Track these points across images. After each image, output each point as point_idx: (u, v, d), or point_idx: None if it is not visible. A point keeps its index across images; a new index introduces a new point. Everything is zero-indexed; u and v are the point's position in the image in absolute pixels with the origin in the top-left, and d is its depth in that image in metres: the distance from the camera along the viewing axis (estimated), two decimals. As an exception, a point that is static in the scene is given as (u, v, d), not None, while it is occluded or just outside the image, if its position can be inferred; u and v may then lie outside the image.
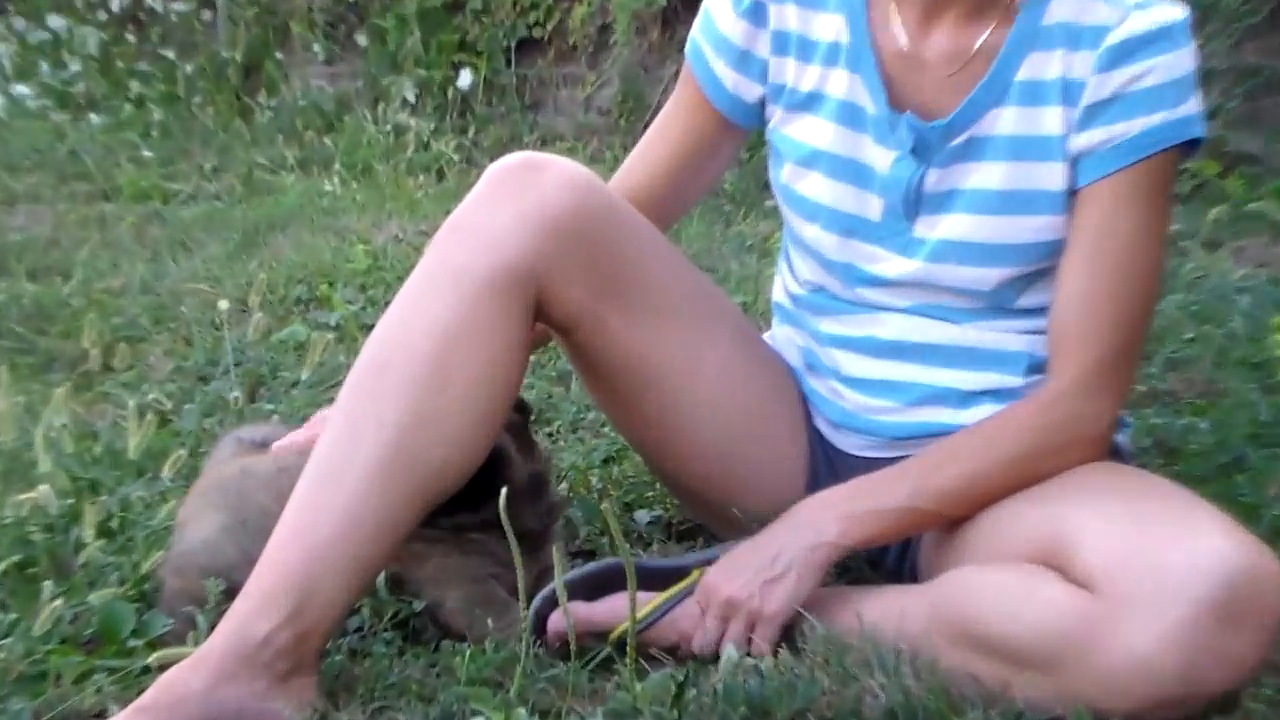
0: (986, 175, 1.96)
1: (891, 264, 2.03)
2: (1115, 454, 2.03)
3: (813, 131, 2.05)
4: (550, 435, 2.85)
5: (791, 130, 2.07)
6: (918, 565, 2.09)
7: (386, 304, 3.74)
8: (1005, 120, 1.95)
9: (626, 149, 5.32)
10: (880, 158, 2.01)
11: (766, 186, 4.96)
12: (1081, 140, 1.92)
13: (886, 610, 1.88)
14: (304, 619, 1.78)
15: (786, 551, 1.92)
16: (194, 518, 2.05)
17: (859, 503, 1.94)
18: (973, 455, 1.93)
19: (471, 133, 5.82)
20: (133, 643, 1.99)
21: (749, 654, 1.91)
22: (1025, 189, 1.95)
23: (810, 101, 2.05)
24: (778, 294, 2.25)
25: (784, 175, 2.09)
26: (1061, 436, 1.91)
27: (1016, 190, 1.95)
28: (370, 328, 3.54)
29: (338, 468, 1.84)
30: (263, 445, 2.17)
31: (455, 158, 5.54)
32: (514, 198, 1.92)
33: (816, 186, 2.05)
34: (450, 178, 5.36)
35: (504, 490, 1.83)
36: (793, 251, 2.18)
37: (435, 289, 1.90)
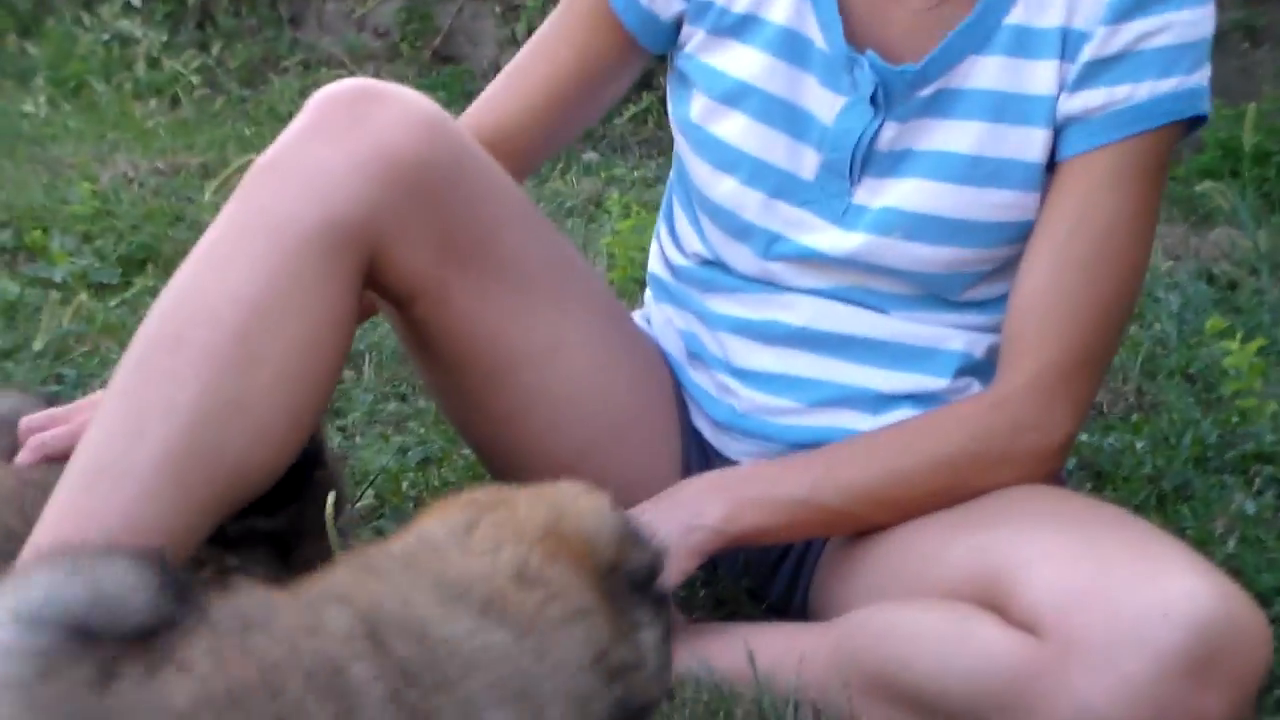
0: (954, 136, 2.04)
1: (825, 235, 2.08)
2: (1055, 480, 2.12)
3: (741, 62, 2.09)
4: (343, 430, 2.87)
5: (714, 58, 2.11)
6: (810, 598, 2.16)
7: (121, 259, 3.76)
8: (986, 71, 2.02)
9: (409, 80, 5.35)
10: (824, 104, 2.06)
11: (587, 136, 5.05)
12: (1076, 103, 1.99)
13: (783, 652, 1.94)
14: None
15: (658, 530, 1.95)
16: None
17: (752, 487, 2.01)
18: (893, 452, 2.01)
19: (216, 50, 5.76)
20: None
21: None
22: (997, 156, 2.03)
23: (742, 25, 2.09)
24: (654, 265, 2.30)
25: (694, 112, 2.13)
26: (1003, 445, 2.00)
27: (987, 157, 2.03)
28: (104, 287, 3.58)
29: (114, 463, 1.83)
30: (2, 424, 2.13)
31: (194, 80, 5.48)
32: (347, 135, 1.94)
33: (739, 129, 2.09)
34: (188, 105, 5.30)
35: (331, 497, 1.85)
36: (681, 214, 2.23)
37: (245, 245, 1.90)
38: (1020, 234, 2.04)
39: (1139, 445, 2.70)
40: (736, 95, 2.09)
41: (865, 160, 2.06)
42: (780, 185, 2.09)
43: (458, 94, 5.21)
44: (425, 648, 1.44)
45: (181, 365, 1.86)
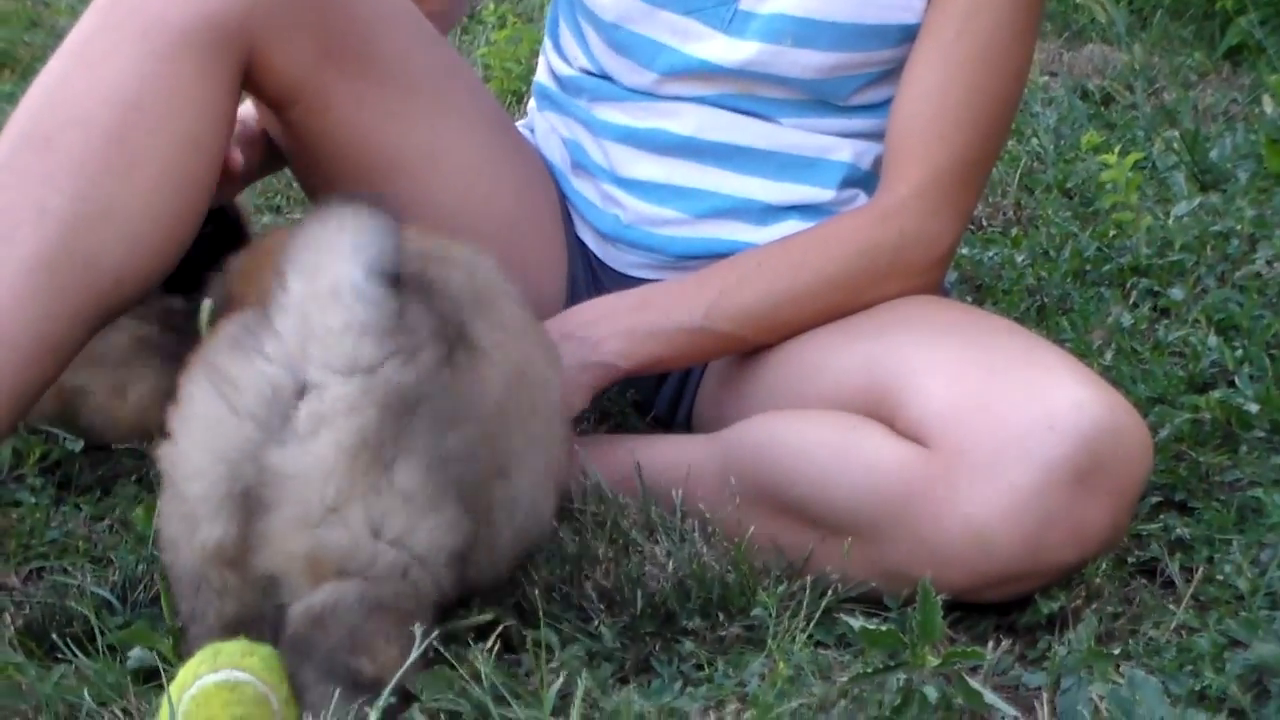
0: None
1: (713, 44, 2.06)
2: (939, 291, 2.12)
3: None
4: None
5: None
6: (695, 410, 2.17)
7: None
8: None
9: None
10: None
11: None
12: None
13: (671, 463, 1.94)
14: (-61, 459, 1.76)
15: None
16: None
17: (645, 317, 2.00)
18: (781, 273, 2.00)
19: None
20: None
21: None
22: None
23: None
24: (541, 76, 2.27)
25: None
26: (891, 259, 2.00)
27: None
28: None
29: None
30: None
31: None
32: None
33: None
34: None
35: (206, 304, 1.82)
36: (565, 27, 2.19)
37: (116, 42, 1.84)
38: (909, 35, 2.03)
39: (1019, 259, 2.73)
40: None
41: None
42: None
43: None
44: None
45: (53, 168, 1.81)
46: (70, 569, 1.81)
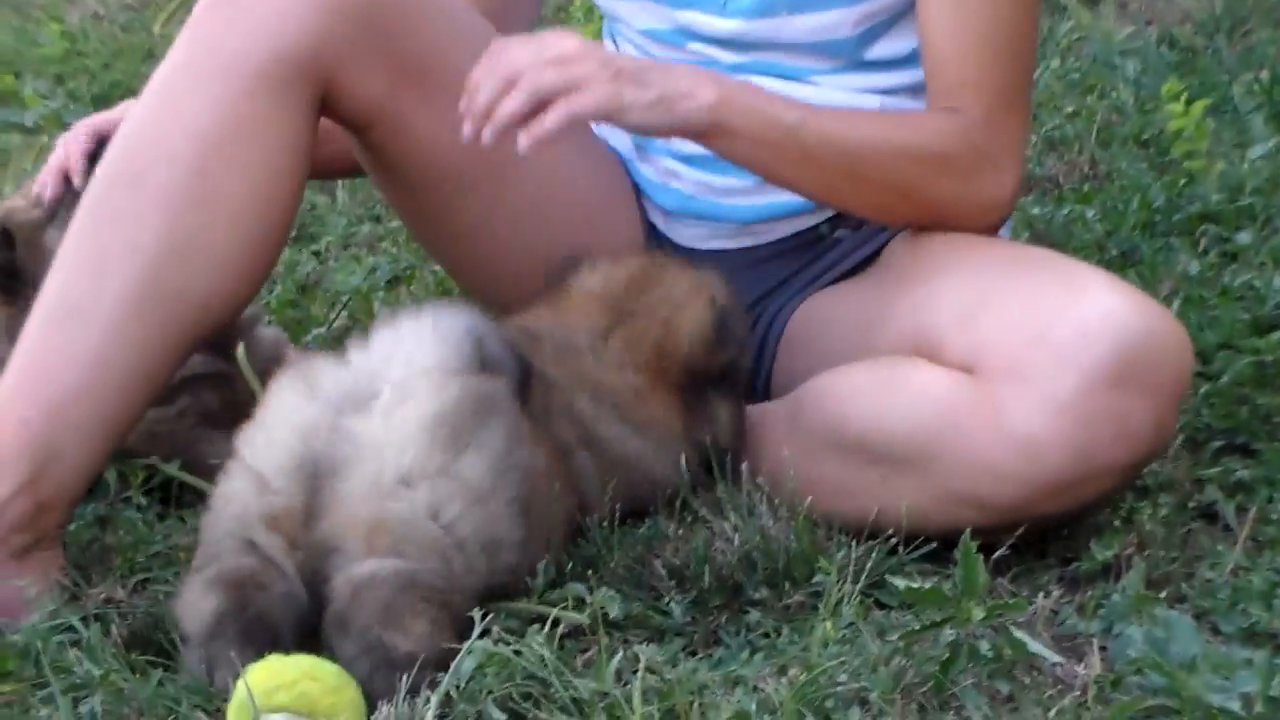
0: None
1: (718, 25, 2.13)
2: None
3: None
4: (317, 254, 2.92)
5: None
6: (773, 383, 2.21)
7: (94, 98, 3.76)
8: None
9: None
10: None
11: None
12: None
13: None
14: (44, 486, 1.84)
15: (658, 76, 1.94)
16: None
17: (747, 95, 1.98)
18: (876, 127, 2.02)
19: (178, -121, 5.70)
20: None
21: None
22: None
23: None
24: None
25: None
26: (967, 161, 2.02)
27: None
28: (76, 128, 3.57)
29: (79, 304, 1.88)
30: None
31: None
32: None
33: None
34: (157, -65, 5.26)
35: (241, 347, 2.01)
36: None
37: (196, 81, 1.93)
38: None
39: (1089, 214, 2.74)
40: None
41: None
42: None
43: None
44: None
45: (141, 204, 1.90)
46: (173, 580, 1.88)
